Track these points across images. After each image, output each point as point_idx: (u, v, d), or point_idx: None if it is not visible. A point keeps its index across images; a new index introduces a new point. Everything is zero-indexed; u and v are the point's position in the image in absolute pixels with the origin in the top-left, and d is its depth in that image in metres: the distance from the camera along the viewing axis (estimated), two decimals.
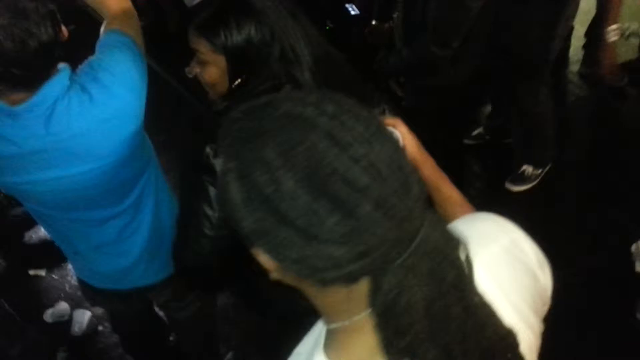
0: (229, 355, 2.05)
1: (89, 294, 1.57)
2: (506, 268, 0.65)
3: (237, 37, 1.08)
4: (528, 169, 2.54)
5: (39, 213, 1.34)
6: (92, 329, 2.30)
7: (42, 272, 2.58)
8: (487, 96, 2.83)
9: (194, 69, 1.16)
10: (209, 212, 1.08)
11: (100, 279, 1.48)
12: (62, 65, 1.16)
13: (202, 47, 1.11)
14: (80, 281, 1.54)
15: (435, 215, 0.57)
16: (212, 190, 1.07)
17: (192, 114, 2.69)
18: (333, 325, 0.59)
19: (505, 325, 0.59)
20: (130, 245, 1.39)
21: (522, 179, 2.56)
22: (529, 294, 0.65)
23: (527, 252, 0.67)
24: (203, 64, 1.14)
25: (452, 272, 0.54)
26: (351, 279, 0.53)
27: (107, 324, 2.25)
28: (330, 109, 0.52)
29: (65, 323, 2.31)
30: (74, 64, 1.21)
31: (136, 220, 1.37)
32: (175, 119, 3.02)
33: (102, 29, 1.28)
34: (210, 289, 1.44)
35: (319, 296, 0.59)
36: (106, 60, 1.20)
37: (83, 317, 2.31)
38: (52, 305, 2.36)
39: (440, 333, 0.54)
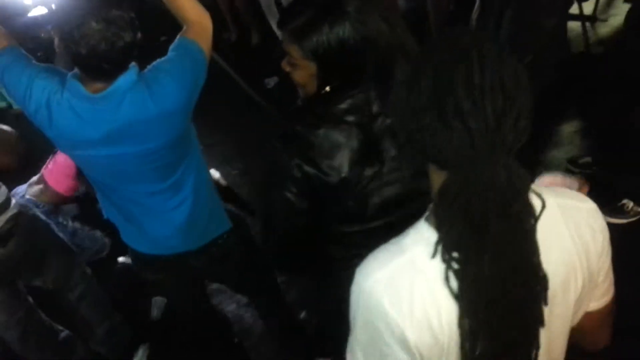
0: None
1: (137, 261, 1.77)
2: (575, 219, 0.81)
3: (329, 46, 1.08)
4: (629, 204, 2.43)
5: (99, 183, 1.58)
6: (169, 313, 2.49)
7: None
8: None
9: (284, 66, 1.21)
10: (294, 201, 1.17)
11: (146, 244, 1.67)
12: (132, 64, 1.38)
13: (294, 52, 1.14)
14: (130, 250, 1.75)
15: (517, 168, 0.71)
16: (293, 197, 1.16)
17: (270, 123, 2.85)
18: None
19: (543, 270, 0.74)
20: (172, 217, 1.59)
21: (621, 212, 2.44)
22: (587, 248, 0.81)
23: (599, 222, 0.83)
24: (294, 65, 1.17)
25: (498, 209, 0.69)
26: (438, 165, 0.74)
27: None
28: (485, 51, 0.70)
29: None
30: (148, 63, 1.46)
31: (177, 198, 1.57)
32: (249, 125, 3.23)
33: (179, 34, 1.50)
34: (293, 271, 1.54)
35: (431, 175, 0.79)
36: (170, 64, 1.44)
37: (162, 302, 2.51)
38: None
39: (480, 240, 0.70)
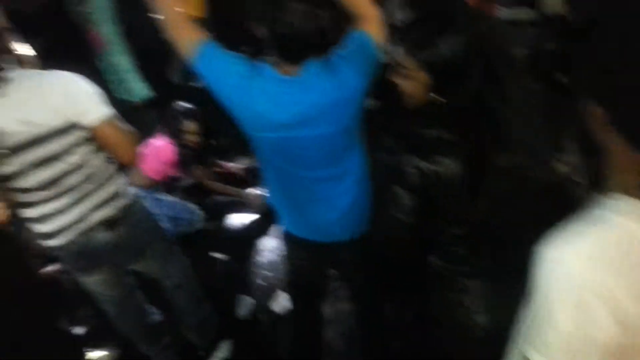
0: None
1: (292, 245, 1.86)
2: None
3: (443, 57, 1.17)
4: None
5: (274, 167, 1.64)
6: (253, 314, 2.56)
7: (226, 258, 2.93)
8: None
9: (395, 79, 1.29)
10: (406, 202, 1.23)
11: (308, 229, 1.76)
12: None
13: (410, 64, 1.22)
14: (287, 235, 1.84)
15: None
16: (405, 194, 1.23)
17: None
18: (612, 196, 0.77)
19: None
20: (337, 203, 1.67)
21: None
22: None
23: None
24: (407, 77, 1.25)
25: None
26: None
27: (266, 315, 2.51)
28: None
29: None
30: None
31: (344, 184, 1.65)
32: None
33: (354, 28, 1.57)
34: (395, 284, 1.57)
35: (619, 158, 0.76)
36: (349, 53, 1.51)
37: (247, 302, 2.59)
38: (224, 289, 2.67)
39: None
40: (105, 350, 2.51)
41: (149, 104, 4.44)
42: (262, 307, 2.62)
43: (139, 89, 4.55)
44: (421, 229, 1.27)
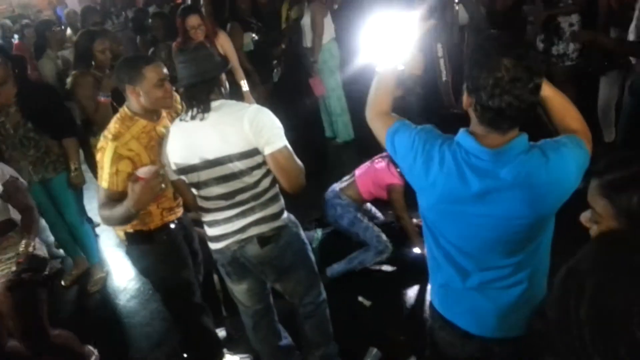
0: None
1: (434, 319, 1.67)
2: None
3: None
4: None
5: (441, 241, 1.51)
6: None
7: (368, 303, 2.97)
8: None
9: (585, 222, 1.14)
10: None
11: (456, 312, 1.58)
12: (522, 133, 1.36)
13: (601, 208, 1.08)
14: (433, 310, 1.66)
15: None
16: None
17: None
18: None
19: None
20: (498, 296, 1.49)
21: None
22: None
23: None
24: (597, 222, 1.11)
25: None
26: None
27: None
28: None
29: None
30: None
31: (512, 279, 1.46)
32: None
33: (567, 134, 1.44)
34: None
35: None
36: (567, 143, 1.36)
37: (377, 355, 2.56)
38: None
39: None
40: (240, 356, 2.76)
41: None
42: None
43: (344, 132, 5.01)
44: None
